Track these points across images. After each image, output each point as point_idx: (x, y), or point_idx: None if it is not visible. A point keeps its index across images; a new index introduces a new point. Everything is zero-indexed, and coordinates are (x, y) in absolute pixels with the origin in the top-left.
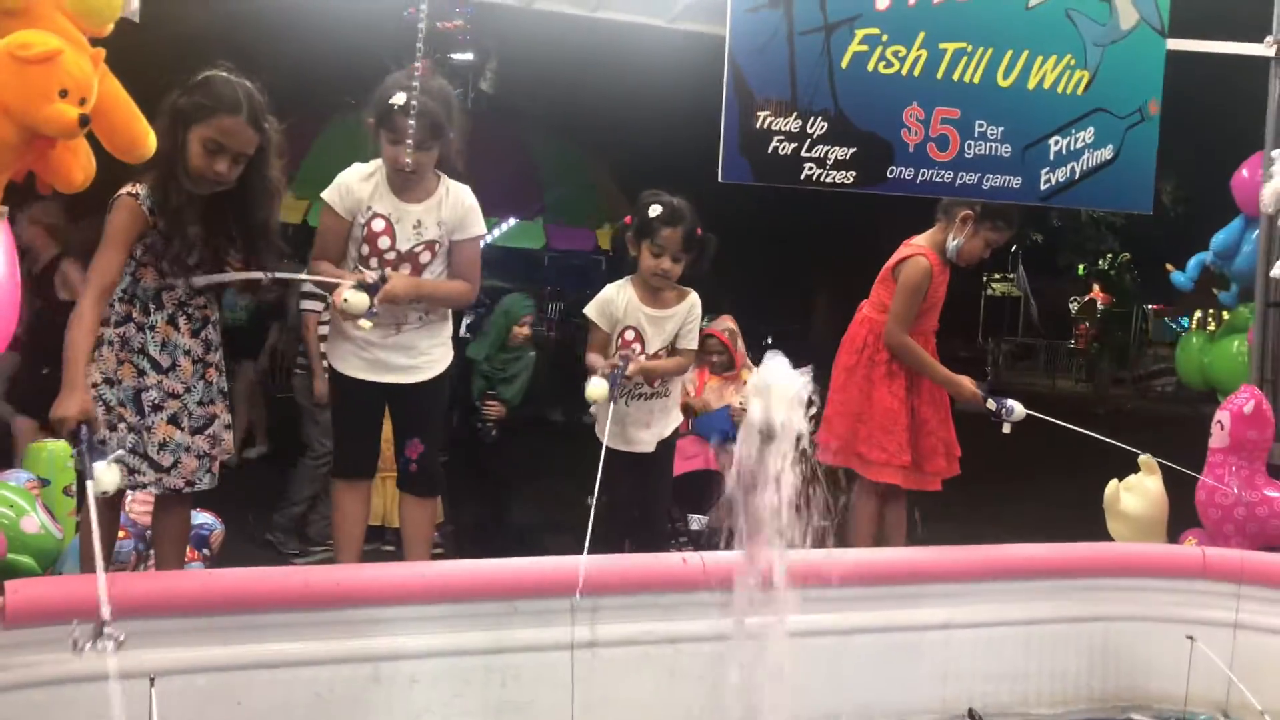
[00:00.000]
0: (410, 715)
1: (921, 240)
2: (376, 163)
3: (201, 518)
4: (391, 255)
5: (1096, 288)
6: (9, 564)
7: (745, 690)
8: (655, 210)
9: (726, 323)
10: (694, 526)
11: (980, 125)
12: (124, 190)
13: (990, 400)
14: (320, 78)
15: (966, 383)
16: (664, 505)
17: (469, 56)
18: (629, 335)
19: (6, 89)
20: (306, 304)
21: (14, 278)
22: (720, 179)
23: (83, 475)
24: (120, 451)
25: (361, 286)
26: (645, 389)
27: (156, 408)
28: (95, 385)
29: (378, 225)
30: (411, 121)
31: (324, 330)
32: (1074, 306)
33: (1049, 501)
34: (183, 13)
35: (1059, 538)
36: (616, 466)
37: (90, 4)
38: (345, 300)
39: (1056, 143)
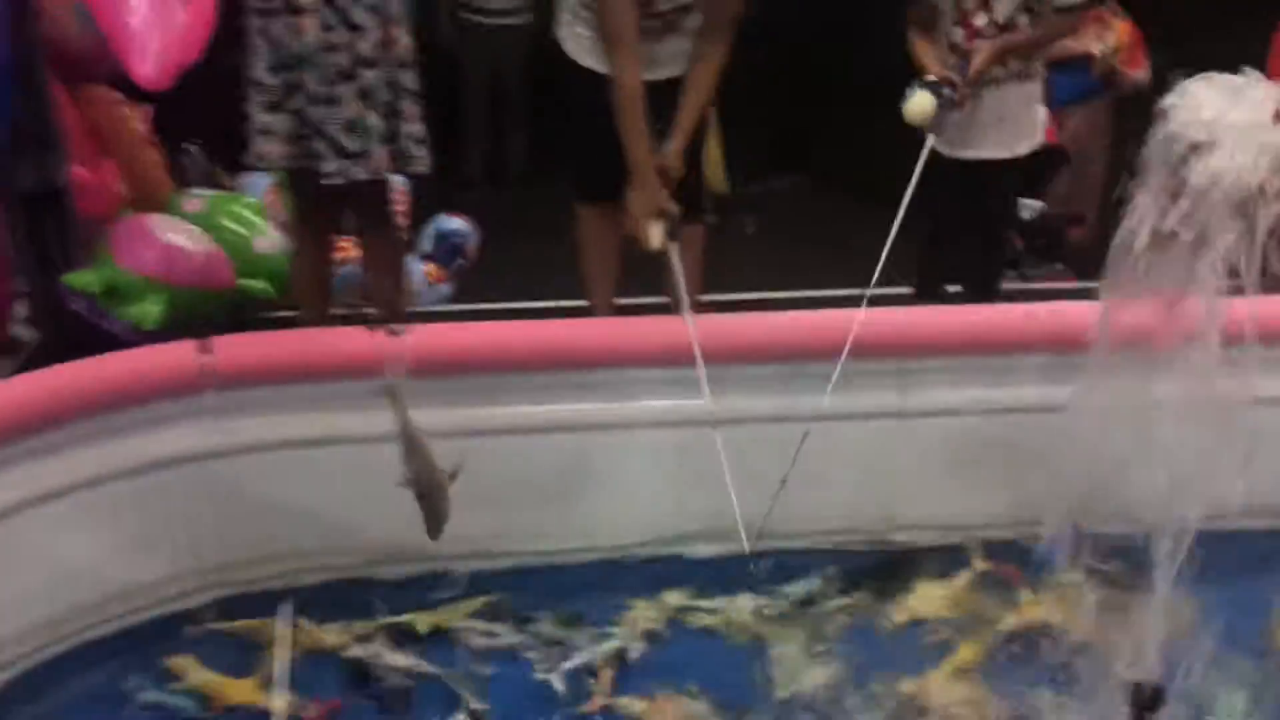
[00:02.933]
0: (679, 488)
1: None
2: None
3: (454, 223)
4: None
5: None
6: (241, 291)
7: (1107, 469)
8: None
9: None
10: (1025, 215)
11: None
12: None
13: None
14: None
15: None
16: (1005, 235)
17: None
18: (968, 3)
19: None
20: None
21: None
22: None
23: None
24: None
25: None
26: (1000, 72)
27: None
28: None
29: None
30: None
31: None
32: None
33: None
34: None
35: None
36: (945, 179)
37: None
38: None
39: None
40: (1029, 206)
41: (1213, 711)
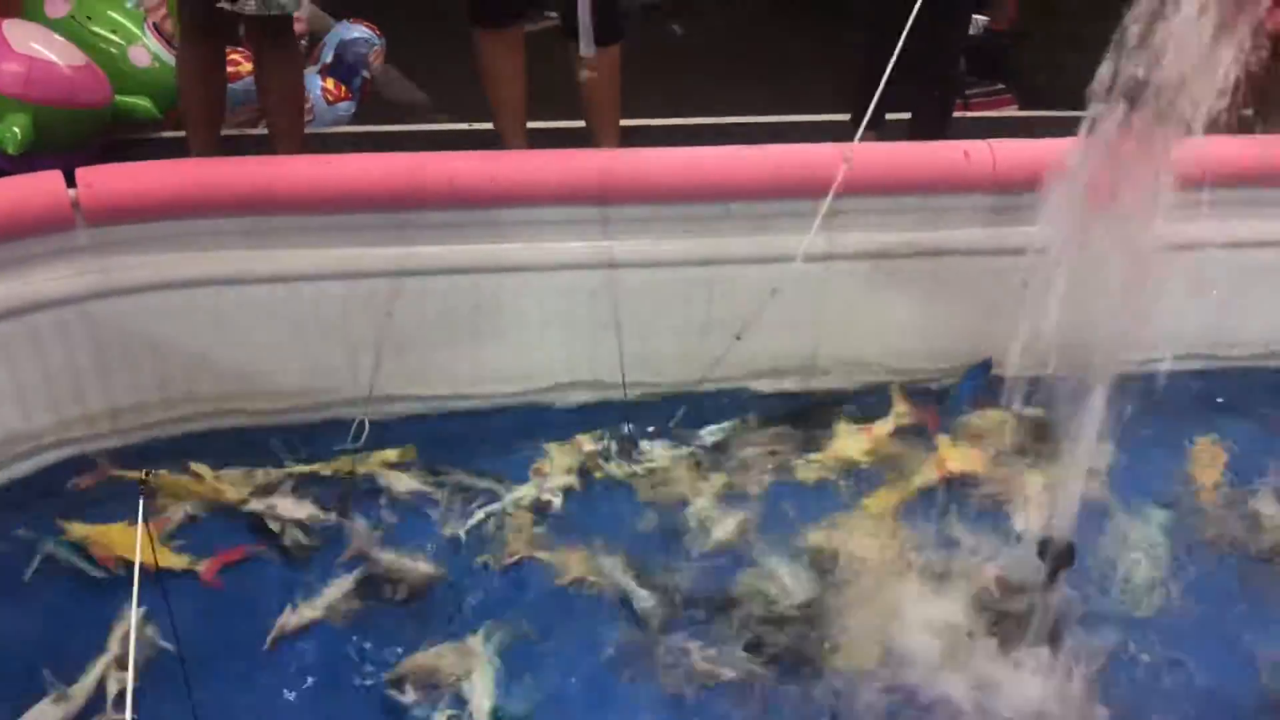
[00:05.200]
0: (595, 331)
1: None
2: None
3: (356, 31)
4: None
5: None
6: (121, 109)
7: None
8: None
9: None
10: (970, 30)
11: None
12: None
13: None
14: None
15: None
16: (955, 65)
17: None
18: None
19: None
20: None
21: None
22: None
23: None
24: None
25: None
26: None
27: None
28: None
29: None
30: None
31: None
32: None
33: None
34: None
35: None
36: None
37: None
38: None
39: None
40: (974, 22)
41: (1125, 563)
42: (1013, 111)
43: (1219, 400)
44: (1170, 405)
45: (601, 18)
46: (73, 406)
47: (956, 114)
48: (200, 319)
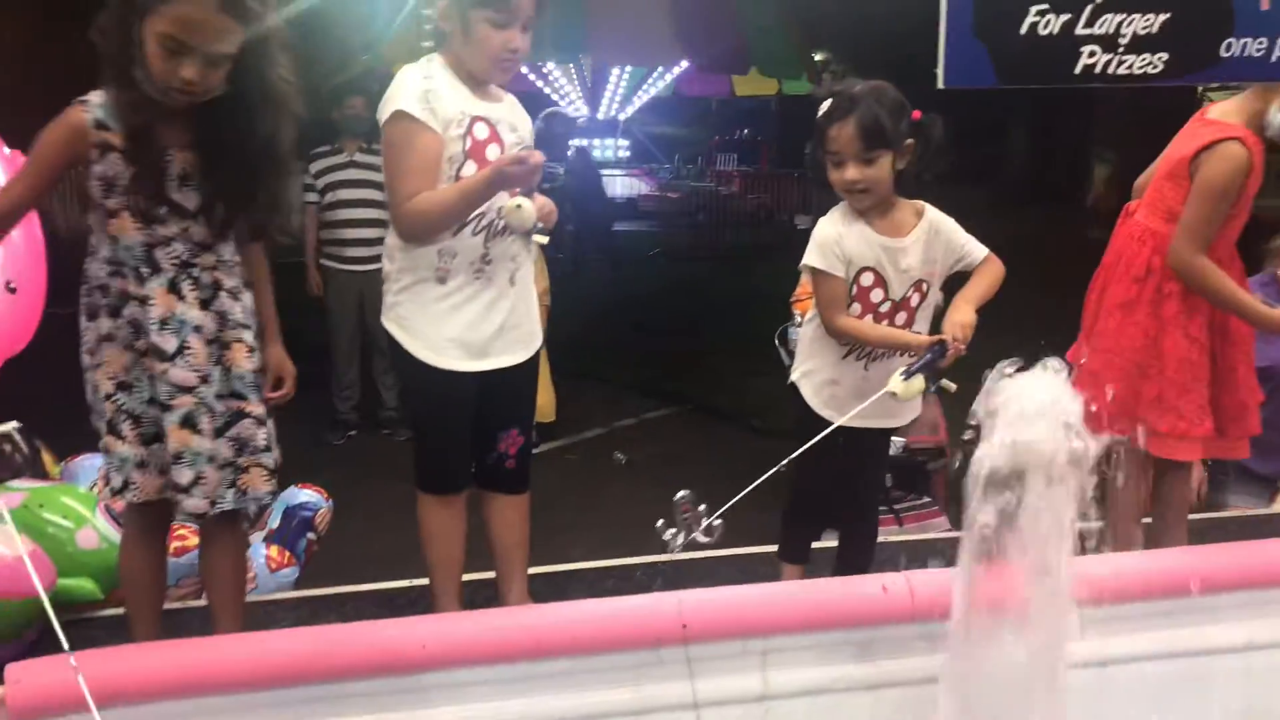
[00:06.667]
0: None
1: (1229, 112)
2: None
3: (304, 495)
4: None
5: None
6: (62, 593)
7: None
8: (822, 108)
9: None
10: (890, 450)
11: None
12: (77, 100)
13: None
14: None
15: None
16: (877, 500)
17: None
18: (866, 280)
19: None
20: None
21: None
22: (942, 84)
23: None
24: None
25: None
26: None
27: (166, 407)
28: (110, 396)
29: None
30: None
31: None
32: None
33: None
34: None
35: None
36: (828, 442)
37: None
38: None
39: None
40: (892, 442)
41: None
42: (942, 524)
43: None
44: None
45: (524, 465)
46: None
47: (889, 529)
48: None
